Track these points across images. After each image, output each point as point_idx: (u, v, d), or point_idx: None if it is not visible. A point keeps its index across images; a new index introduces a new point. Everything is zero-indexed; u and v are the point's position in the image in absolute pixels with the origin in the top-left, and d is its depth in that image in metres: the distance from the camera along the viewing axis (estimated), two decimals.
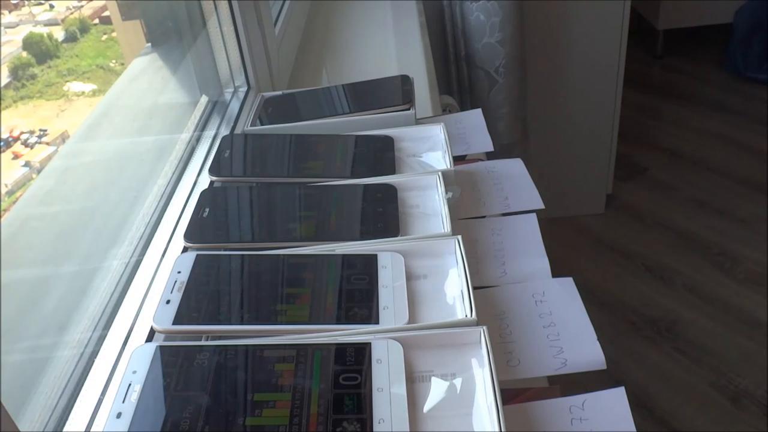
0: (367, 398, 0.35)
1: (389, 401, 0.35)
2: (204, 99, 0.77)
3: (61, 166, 0.58)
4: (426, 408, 0.36)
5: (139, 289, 0.49)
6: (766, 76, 2.46)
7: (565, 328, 0.43)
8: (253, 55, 0.78)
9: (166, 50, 0.74)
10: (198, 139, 0.71)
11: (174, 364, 0.37)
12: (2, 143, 0.58)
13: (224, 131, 0.72)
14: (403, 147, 0.61)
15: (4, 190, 0.56)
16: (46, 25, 0.64)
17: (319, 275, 0.45)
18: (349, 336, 0.39)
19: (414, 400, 0.37)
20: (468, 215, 0.56)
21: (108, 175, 0.61)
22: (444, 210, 0.50)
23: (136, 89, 0.71)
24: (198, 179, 0.63)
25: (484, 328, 0.39)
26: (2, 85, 0.58)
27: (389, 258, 0.46)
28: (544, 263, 0.49)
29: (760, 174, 2.04)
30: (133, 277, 0.51)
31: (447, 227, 0.49)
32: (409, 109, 0.65)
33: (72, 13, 0.68)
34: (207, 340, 0.41)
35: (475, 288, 0.43)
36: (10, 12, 0.62)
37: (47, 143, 0.62)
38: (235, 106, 0.77)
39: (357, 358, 0.38)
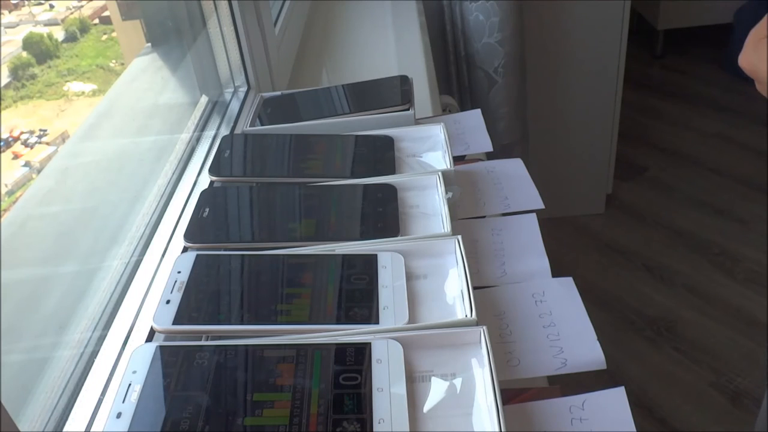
0: (367, 398, 0.35)
1: (389, 401, 0.35)
2: (204, 99, 0.77)
3: (61, 166, 0.58)
4: (426, 408, 0.36)
5: (139, 289, 0.49)
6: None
7: (565, 328, 0.43)
8: (253, 55, 0.78)
9: (166, 50, 0.74)
10: (198, 139, 0.71)
11: (174, 364, 0.37)
12: (2, 143, 0.58)
13: (224, 131, 0.72)
14: (402, 147, 0.61)
15: (4, 190, 0.56)
16: (46, 25, 0.64)
17: (319, 275, 0.45)
18: (349, 336, 0.39)
19: (414, 400, 0.37)
20: (468, 215, 0.56)
21: (108, 175, 0.61)
22: (444, 210, 0.50)
23: (136, 89, 0.71)
24: (198, 179, 0.63)
25: (484, 328, 0.39)
26: (2, 85, 0.58)
27: (389, 258, 0.46)
28: (544, 263, 0.49)
29: (760, 174, 2.04)
30: (133, 277, 0.51)
31: (447, 227, 0.49)
32: (408, 109, 0.65)
33: (72, 13, 0.68)
34: (207, 340, 0.41)
35: (475, 288, 0.43)
36: (10, 12, 0.62)
37: (47, 143, 0.62)
38: (235, 106, 0.77)
39: (357, 358, 0.38)
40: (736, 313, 1.60)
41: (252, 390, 0.36)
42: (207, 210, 0.51)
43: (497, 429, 0.34)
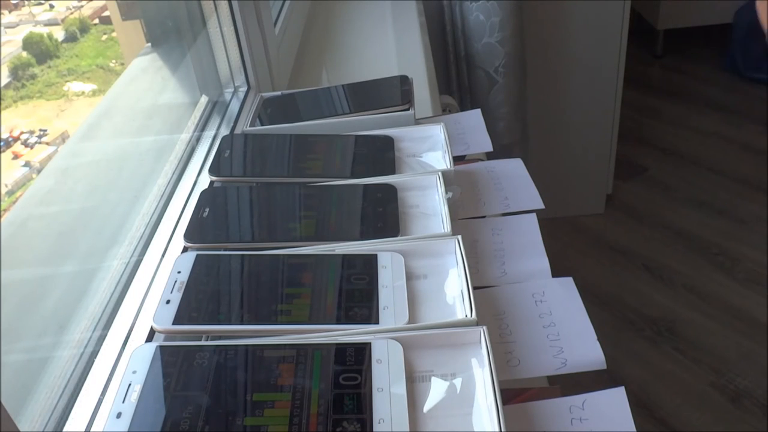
0: (367, 398, 0.35)
1: (389, 401, 0.35)
2: (204, 99, 0.77)
3: (61, 166, 0.58)
4: (426, 408, 0.36)
5: (139, 289, 0.49)
6: (766, 76, 2.46)
7: (565, 328, 0.43)
8: (253, 55, 0.78)
9: (166, 50, 0.74)
10: (198, 139, 0.71)
11: (174, 364, 0.37)
12: (2, 143, 0.58)
13: (224, 131, 0.72)
14: (402, 147, 0.61)
15: (4, 190, 0.56)
16: (46, 25, 0.64)
17: (319, 275, 0.45)
18: (349, 336, 0.39)
19: (414, 400, 0.37)
20: (468, 215, 0.56)
21: (108, 175, 0.61)
22: (444, 210, 0.50)
23: (136, 89, 0.71)
24: (198, 179, 0.63)
25: (484, 328, 0.39)
26: (2, 85, 0.58)
27: (389, 258, 0.46)
28: (544, 263, 0.49)
29: (760, 174, 2.04)
30: (133, 277, 0.51)
31: (447, 227, 0.49)
32: (408, 109, 0.65)
33: (72, 13, 0.68)
34: (207, 340, 0.41)
35: (475, 288, 0.43)
36: (10, 12, 0.62)
37: (47, 143, 0.62)
38: (235, 106, 0.77)
39: (357, 358, 0.38)
40: (736, 313, 1.60)
41: (252, 390, 0.36)
42: (207, 210, 0.51)
43: (497, 429, 0.34)
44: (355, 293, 0.43)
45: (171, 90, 0.75)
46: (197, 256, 0.46)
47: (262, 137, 0.63)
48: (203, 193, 0.54)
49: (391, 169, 0.57)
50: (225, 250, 0.48)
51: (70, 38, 0.66)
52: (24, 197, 0.54)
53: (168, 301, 0.42)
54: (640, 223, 1.94)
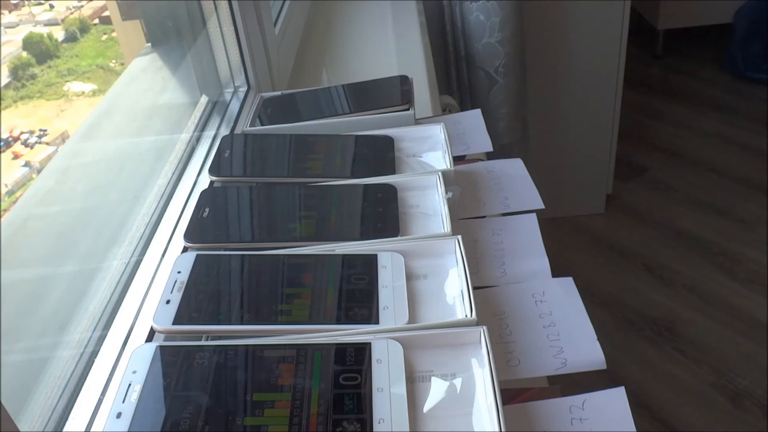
0: (367, 398, 0.35)
1: (389, 401, 0.35)
2: (204, 99, 0.77)
3: (61, 166, 0.58)
4: (426, 408, 0.36)
5: (139, 289, 0.49)
6: (766, 76, 2.46)
7: (565, 328, 0.43)
8: (253, 55, 0.78)
9: (166, 50, 0.74)
10: (198, 139, 0.71)
11: (174, 364, 0.37)
12: (2, 143, 0.58)
13: (224, 131, 0.72)
14: (403, 147, 0.61)
15: (4, 190, 0.56)
16: (46, 25, 0.64)
17: (319, 275, 0.45)
18: (349, 336, 0.39)
19: (414, 400, 0.37)
20: (468, 215, 0.56)
21: (108, 175, 0.61)
22: (444, 210, 0.50)
23: (136, 89, 0.71)
24: (198, 179, 0.63)
25: (484, 328, 0.39)
26: (2, 85, 0.58)
27: (389, 258, 0.46)
28: (544, 263, 0.49)
29: (760, 174, 2.04)
30: (133, 277, 0.51)
31: (447, 227, 0.49)
32: (408, 110, 0.65)
33: (72, 13, 0.68)
34: (207, 340, 0.41)
35: (475, 288, 0.43)
36: (10, 12, 0.62)
37: (47, 143, 0.62)
38: (235, 106, 0.77)
39: (357, 358, 0.38)
40: (736, 313, 1.60)
41: (252, 390, 0.36)
42: (207, 210, 0.51)
43: (497, 429, 0.34)
44: (355, 293, 0.43)
45: (171, 90, 0.75)
46: (197, 256, 0.46)
47: (262, 137, 0.63)
48: (203, 193, 0.54)
49: (391, 169, 0.57)
50: (225, 250, 0.48)
51: (70, 38, 0.66)
52: (24, 197, 0.54)
53: (168, 301, 0.42)
54: (640, 223, 1.94)
